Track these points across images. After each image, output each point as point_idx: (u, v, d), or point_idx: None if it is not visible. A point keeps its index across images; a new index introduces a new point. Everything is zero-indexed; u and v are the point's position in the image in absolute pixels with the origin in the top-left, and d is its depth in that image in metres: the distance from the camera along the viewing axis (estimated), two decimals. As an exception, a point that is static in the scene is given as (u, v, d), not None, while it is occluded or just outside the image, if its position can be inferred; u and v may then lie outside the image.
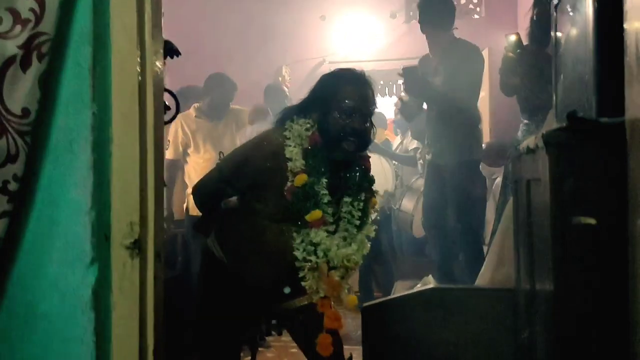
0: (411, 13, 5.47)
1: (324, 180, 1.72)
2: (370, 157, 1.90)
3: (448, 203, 3.22)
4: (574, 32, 1.41)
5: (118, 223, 1.09)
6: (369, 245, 1.83)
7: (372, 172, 3.91)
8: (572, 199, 1.18)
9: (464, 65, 2.95)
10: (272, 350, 3.58)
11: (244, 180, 1.80)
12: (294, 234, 1.72)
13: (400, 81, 3.06)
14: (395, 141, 4.81)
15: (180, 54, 1.25)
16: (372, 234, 1.85)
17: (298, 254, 1.72)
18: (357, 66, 1.89)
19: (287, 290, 1.79)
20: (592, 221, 1.16)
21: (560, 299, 1.19)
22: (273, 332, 2.16)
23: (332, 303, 1.78)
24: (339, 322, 1.77)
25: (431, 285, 2.24)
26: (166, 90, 1.23)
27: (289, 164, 1.71)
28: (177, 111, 1.26)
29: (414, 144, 4.47)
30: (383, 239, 4.58)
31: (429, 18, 3.12)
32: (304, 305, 1.85)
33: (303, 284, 1.73)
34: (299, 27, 5.32)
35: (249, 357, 2.20)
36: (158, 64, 1.17)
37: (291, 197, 1.70)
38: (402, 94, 3.08)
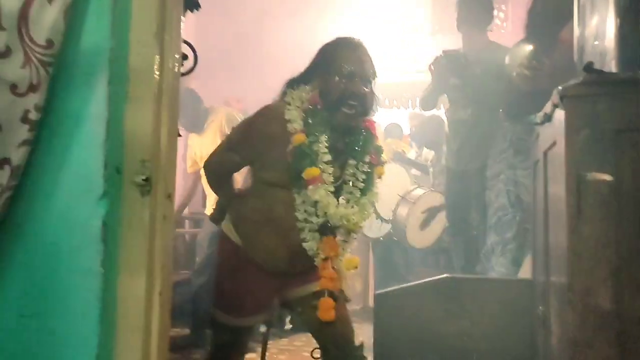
0: (437, 27, 5.52)
1: (324, 140, 1.71)
2: (375, 122, 1.89)
3: (472, 210, 3.16)
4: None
5: (130, 159, 1.10)
6: (371, 211, 1.81)
7: (391, 181, 3.85)
8: (587, 154, 1.15)
9: (498, 65, 2.91)
10: (285, 353, 3.53)
11: (251, 148, 1.81)
12: (295, 196, 1.73)
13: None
14: (410, 154, 4.82)
15: (200, 6, 1.28)
16: (377, 201, 1.84)
17: (299, 214, 1.72)
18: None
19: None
20: (608, 177, 1.13)
21: (574, 255, 1.16)
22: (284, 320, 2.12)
23: (333, 265, 1.76)
24: (334, 283, 1.75)
25: (446, 274, 2.18)
26: (184, 41, 1.26)
27: (288, 125, 1.72)
28: (196, 62, 1.29)
29: (431, 155, 4.48)
30: (397, 252, 4.56)
31: (467, 16, 3.10)
32: (317, 290, 1.82)
33: (304, 245, 1.73)
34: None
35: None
36: (177, 11, 1.20)
37: (292, 158, 1.71)
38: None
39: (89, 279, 1.06)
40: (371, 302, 5.17)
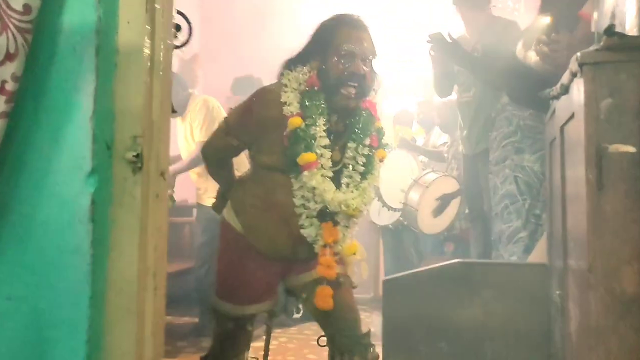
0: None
1: (321, 123, 1.65)
2: (376, 103, 1.82)
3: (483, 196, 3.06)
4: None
5: (121, 134, 1.04)
6: (372, 195, 1.76)
7: (397, 170, 3.75)
8: (609, 125, 1.07)
9: (503, 42, 2.79)
10: (293, 341, 3.50)
11: (249, 132, 1.75)
12: (292, 181, 1.67)
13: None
14: (418, 140, 4.72)
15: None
16: (377, 184, 1.77)
17: (296, 200, 1.67)
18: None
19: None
20: (631, 149, 1.05)
21: (595, 234, 1.08)
22: (289, 308, 2.06)
23: (331, 251, 1.70)
24: (331, 270, 1.69)
25: (457, 259, 2.11)
26: (178, 12, 1.19)
27: (284, 108, 1.66)
28: (190, 34, 1.22)
29: (442, 138, 4.36)
30: (407, 240, 4.49)
31: None
32: (320, 277, 1.77)
33: (302, 231, 1.68)
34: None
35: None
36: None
37: (288, 142, 1.65)
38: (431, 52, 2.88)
39: (78, 259, 1.01)
40: (381, 291, 5.13)
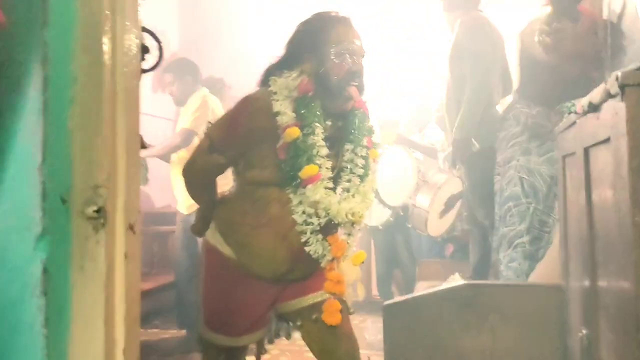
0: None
1: (319, 132, 1.55)
2: (365, 101, 1.70)
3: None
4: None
5: (78, 185, 0.86)
6: (373, 197, 1.67)
7: (391, 167, 3.69)
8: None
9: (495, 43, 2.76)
10: (286, 354, 3.34)
11: (236, 146, 1.61)
12: (291, 196, 1.56)
13: None
14: (414, 136, 4.56)
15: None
16: (375, 187, 1.70)
17: (297, 217, 1.55)
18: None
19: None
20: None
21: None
22: (281, 334, 1.91)
23: (338, 265, 1.64)
24: (341, 286, 1.63)
25: (463, 281, 1.95)
26: (144, 29, 1.00)
27: (278, 118, 1.54)
28: (161, 56, 1.03)
29: (438, 134, 4.21)
30: (399, 241, 4.36)
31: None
32: (318, 301, 1.67)
33: (307, 249, 1.56)
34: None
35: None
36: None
37: (284, 155, 1.53)
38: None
39: (30, 340, 0.82)
40: (374, 292, 5.01)
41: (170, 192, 3.53)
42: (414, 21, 5.09)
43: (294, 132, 1.52)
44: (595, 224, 1.27)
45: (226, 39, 5.10)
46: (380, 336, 2.03)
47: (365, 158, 1.65)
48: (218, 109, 3.41)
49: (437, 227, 3.83)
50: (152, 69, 1.02)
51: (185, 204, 3.26)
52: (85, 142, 0.87)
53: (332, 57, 1.57)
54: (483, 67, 2.78)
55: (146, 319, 4.16)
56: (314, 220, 1.55)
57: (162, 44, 1.03)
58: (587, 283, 1.33)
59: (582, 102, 1.20)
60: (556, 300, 1.72)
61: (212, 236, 1.71)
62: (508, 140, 2.51)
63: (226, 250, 1.66)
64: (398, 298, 2.03)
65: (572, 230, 1.55)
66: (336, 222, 1.57)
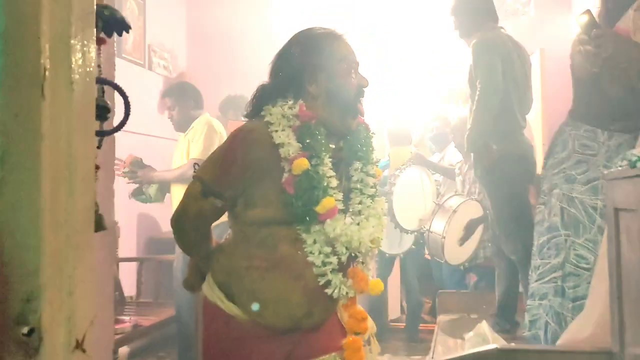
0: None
1: (328, 161, 1.45)
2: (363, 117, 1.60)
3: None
4: None
5: (5, 299, 0.65)
6: (385, 219, 1.56)
7: (412, 188, 3.59)
8: None
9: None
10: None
11: (234, 185, 1.46)
12: (303, 235, 1.42)
13: None
14: (433, 158, 4.32)
15: (129, 28, 0.81)
16: (385, 207, 1.59)
17: (314, 258, 1.41)
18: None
19: None
20: None
21: None
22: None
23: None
24: (364, 324, 1.53)
25: (494, 345, 1.71)
26: (106, 82, 0.79)
27: (282, 150, 1.41)
28: (127, 116, 0.82)
29: (458, 156, 3.98)
30: (410, 270, 4.16)
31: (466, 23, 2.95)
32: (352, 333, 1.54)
33: (327, 291, 1.42)
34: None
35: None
36: (86, 37, 0.74)
37: (294, 190, 1.40)
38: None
39: None
40: (391, 315, 4.76)
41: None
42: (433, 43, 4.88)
43: (303, 163, 1.40)
44: (626, 290, 1.04)
45: (236, 56, 4.94)
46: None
47: (374, 176, 1.57)
48: (224, 134, 3.27)
49: (457, 255, 3.59)
50: (116, 130, 0.81)
51: None
52: (18, 237, 0.66)
53: (342, 74, 1.49)
54: (493, 76, 2.68)
55: (151, 352, 3.97)
56: (332, 259, 1.42)
57: (128, 99, 0.82)
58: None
59: (622, 163, 0.98)
60: (607, 371, 1.47)
61: (211, 292, 1.51)
62: (554, 167, 2.36)
63: (229, 307, 1.47)
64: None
65: (630, 292, 1.31)
66: (358, 254, 1.47)
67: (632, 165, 1.10)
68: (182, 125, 3.31)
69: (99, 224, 0.79)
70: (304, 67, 1.49)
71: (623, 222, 1.33)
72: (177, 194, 3.22)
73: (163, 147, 4.15)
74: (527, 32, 4.31)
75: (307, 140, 1.43)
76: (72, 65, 0.71)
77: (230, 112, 3.97)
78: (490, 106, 2.67)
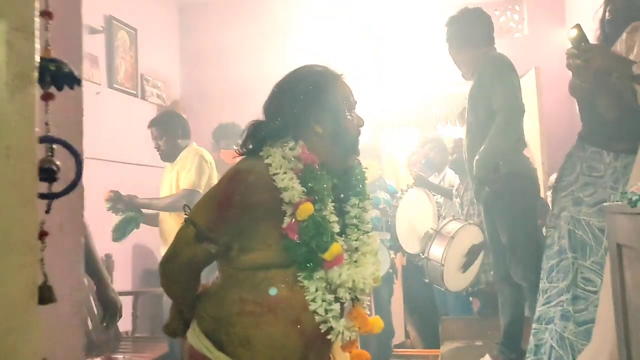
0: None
1: (331, 206, 1.42)
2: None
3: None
4: None
5: None
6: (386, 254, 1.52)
7: (415, 210, 3.51)
8: None
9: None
10: None
11: (230, 229, 1.39)
12: (305, 282, 1.36)
13: None
14: (431, 177, 4.26)
15: (80, 81, 0.75)
16: (378, 243, 1.56)
17: (316, 307, 1.36)
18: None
19: None
20: None
21: None
22: None
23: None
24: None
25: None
26: (54, 140, 0.73)
27: (285, 194, 1.36)
28: (79, 176, 0.76)
29: (457, 179, 3.92)
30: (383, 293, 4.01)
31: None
32: None
33: (330, 337, 1.38)
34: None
35: None
36: (26, 99, 0.68)
37: (299, 236, 1.35)
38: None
39: None
40: (394, 339, 4.65)
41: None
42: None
43: (309, 208, 1.36)
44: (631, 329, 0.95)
45: (231, 83, 4.91)
46: None
47: (368, 212, 1.55)
48: (214, 164, 3.24)
49: (457, 281, 3.50)
50: (65, 192, 0.74)
51: None
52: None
53: (347, 115, 1.49)
54: (520, 97, 2.61)
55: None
56: (335, 306, 1.38)
57: (80, 156, 0.76)
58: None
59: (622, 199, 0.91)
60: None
61: (197, 341, 1.43)
62: (563, 190, 2.31)
63: (218, 357, 1.39)
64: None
65: (639, 335, 1.23)
66: (361, 295, 1.45)
67: (633, 205, 1.04)
68: (169, 155, 3.28)
69: (47, 297, 0.71)
70: (310, 106, 1.46)
71: (626, 259, 1.25)
72: (168, 224, 3.19)
73: (158, 177, 4.09)
74: (521, 51, 4.28)
75: (310, 184, 1.39)
76: (8, 130, 0.64)
77: (222, 141, 3.93)
78: (514, 129, 2.60)
